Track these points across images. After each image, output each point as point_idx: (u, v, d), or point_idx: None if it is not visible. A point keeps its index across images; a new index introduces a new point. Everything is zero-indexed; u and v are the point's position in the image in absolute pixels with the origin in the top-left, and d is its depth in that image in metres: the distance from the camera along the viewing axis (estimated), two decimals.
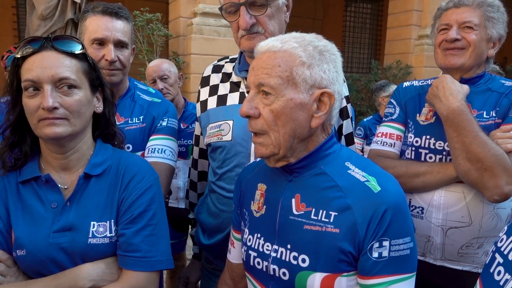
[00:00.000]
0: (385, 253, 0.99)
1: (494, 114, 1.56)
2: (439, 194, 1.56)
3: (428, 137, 1.64)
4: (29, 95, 1.10)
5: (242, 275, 1.30)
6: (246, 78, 1.51)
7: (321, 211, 1.05)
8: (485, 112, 1.58)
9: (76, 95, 1.13)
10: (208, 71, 1.68)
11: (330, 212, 1.03)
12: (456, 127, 1.48)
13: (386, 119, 1.82)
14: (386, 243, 0.99)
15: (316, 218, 1.05)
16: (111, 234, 1.16)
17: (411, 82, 1.83)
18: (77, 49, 1.17)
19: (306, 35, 1.10)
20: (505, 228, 0.97)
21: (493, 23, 1.57)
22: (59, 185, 1.18)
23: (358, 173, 1.07)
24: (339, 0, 13.38)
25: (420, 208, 1.60)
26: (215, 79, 1.63)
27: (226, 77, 1.61)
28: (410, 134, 1.70)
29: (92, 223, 1.15)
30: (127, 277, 1.14)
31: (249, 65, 1.52)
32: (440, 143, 1.60)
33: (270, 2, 1.39)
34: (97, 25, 1.59)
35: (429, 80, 1.77)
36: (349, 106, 1.63)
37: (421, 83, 1.80)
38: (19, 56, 1.12)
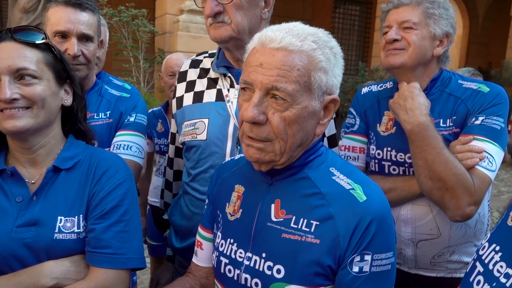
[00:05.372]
0: (366, 268, 0.93)
1: (451, 123, 1.48)
2: (406, 209, 1.53)
3: (389, 149, 1.57)
4: None
5: (208, 282, 1.23)
6: (224, 75, 1.47)
7: (301, 219, 0.97)
8: (441, 121, 1.50)
9: (38, 85, 1.10)
10: (185, 66, 1.60)
11: (311, 221, 0.96)
12: (420, 142, 1.41)
13: (347, 130, 1.74)
14: (368, 257, 0.93)
15: (296, 226, 0.97)
16: (79, 230, 1.11)
17: (370, 87, 1.74)
18: (39, 39, 1.13)
19: (318, 30, 0.98)
20: (488, 235, 0.92)
21: (434, 20, 1.48)
22: (25, 179, 1.13)
23: (343, 180, 1.00)
24: (328, 1, 13.44)
25: None
26: (192, 74, 1.56)
27: (204, 72, 1.54)
28: (372, 146, 1.64)
29: (59, 217, 1.10)
30: (95, 274, 1.09)
31: (227, 61, 1.47)
32: (401, 155, 1.54)
33: None
34: (59, 16, 1.49)
35: (388, 83, 1.69)
36: None
37: (380, 87, 1.71)
38: None
